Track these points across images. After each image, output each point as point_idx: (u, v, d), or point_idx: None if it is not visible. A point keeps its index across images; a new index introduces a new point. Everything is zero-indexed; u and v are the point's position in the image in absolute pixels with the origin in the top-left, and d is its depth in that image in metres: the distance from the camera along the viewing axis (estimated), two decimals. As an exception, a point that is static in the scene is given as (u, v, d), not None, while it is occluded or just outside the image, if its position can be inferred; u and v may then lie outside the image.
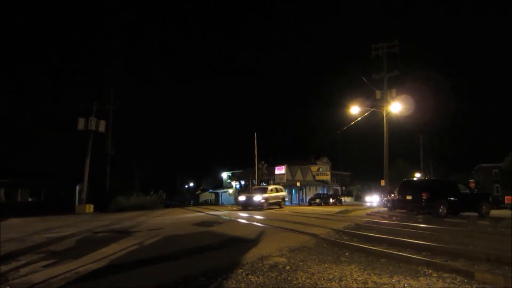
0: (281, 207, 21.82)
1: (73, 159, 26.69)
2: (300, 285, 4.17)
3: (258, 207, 19.63)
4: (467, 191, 15.63)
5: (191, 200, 52.39)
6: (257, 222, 11.84)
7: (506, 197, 30.61)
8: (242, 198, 21.46)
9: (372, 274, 4.57)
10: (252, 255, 5.90)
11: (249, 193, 22.19)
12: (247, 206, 20.30)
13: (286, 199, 24.75)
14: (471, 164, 58.92)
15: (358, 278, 4.39)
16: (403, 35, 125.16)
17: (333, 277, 4.45)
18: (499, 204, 27.31)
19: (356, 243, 6.93)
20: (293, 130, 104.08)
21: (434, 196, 13.59)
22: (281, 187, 24.74)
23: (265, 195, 20.67)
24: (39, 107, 48.46)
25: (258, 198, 20.13)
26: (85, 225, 11.90)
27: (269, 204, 20.80)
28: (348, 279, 4.38)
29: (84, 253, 6.12)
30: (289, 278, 4.43)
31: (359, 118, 21.90)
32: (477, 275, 4.27)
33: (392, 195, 19.08)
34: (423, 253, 5.80)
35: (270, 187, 22.97)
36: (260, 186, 25.37)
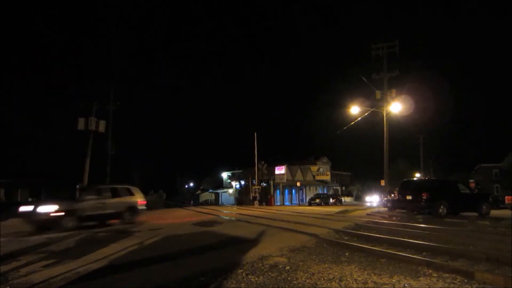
0: (126, 221, 12.41)
1: (73, 159, 26.72)
2: (300, 285, 4.17)
3: (53, 226, 10.32)
4: (467, 191, 15.62)
5: (191, 200, 52.43)
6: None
7: (506, 197, 30.52)
8: (24, 208, 11.19)
9: (372, 274, 4.57)
10: (252, 255, 5.90)
11: (39, 200, 11.94)
12: (35, 223, 10.61)
13: (143, 207, 13.69)
14: (471, 164, 58.88)
15: (358, 278, 4.39)
16: (403, 35, 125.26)
17: (333, 277, 4.45)
18: (499, 204, 27.26)
19: (356, 243, 6.93)
20: (293, 130, 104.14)
21: (434, 196, 13.59)
22: (129, 187, 13.80)
23: (70, 203, 11.17)
24: (39, 107, 48.57)
25: (47, 208, 10.54)
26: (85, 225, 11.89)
27: (85, 219, 11.32)
28: (348, 279, 4.38)
29: (84, 253, 6.13)
30: (289, 278, 4.43)
31: (359, 118, 21.88)
32: (477, 275, 4.27)
33: (392, 195, 19.05)
34: (423, 253, 5.80)
35: (101, 186, 13.14)
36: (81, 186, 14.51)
